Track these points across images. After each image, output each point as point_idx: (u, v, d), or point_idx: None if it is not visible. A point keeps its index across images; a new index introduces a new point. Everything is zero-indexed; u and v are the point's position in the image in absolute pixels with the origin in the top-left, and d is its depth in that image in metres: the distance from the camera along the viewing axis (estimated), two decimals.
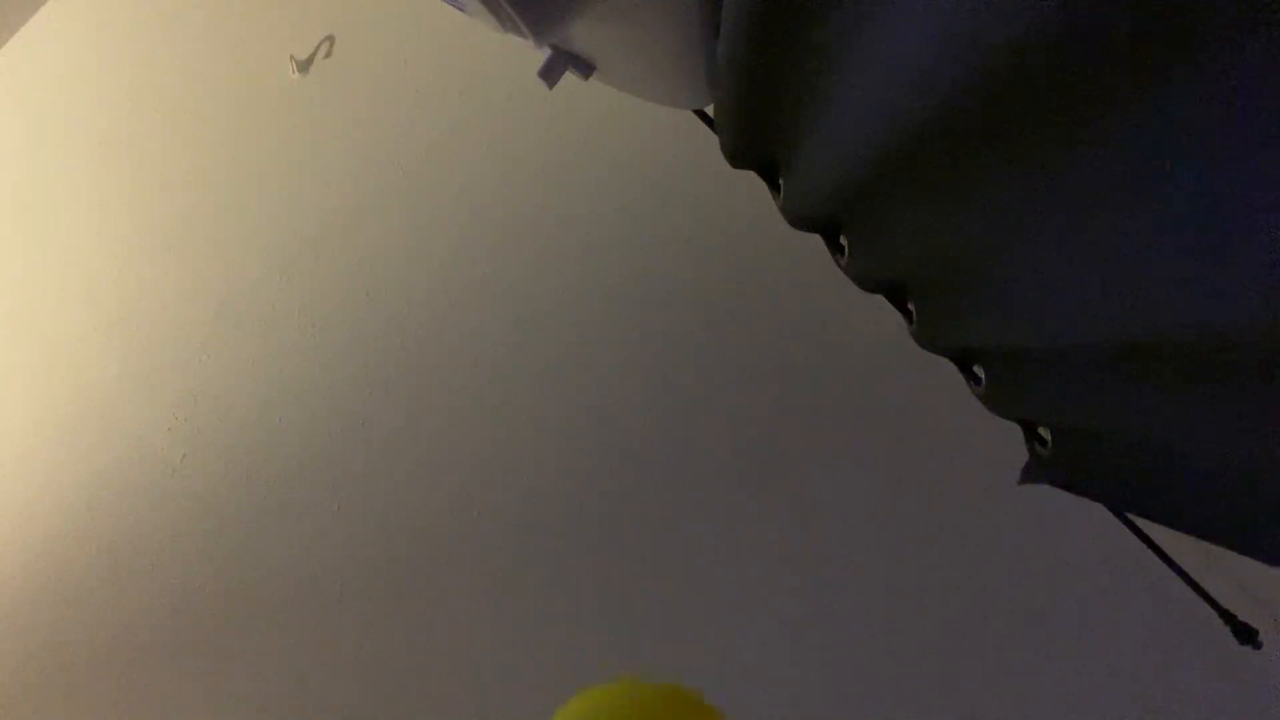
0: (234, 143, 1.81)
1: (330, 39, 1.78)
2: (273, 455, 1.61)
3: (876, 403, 1.36)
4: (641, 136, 1.53)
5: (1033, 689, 1.22)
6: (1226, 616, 1.01)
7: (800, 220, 0.94)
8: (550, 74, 0.87)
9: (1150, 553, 1.02)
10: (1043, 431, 0.87)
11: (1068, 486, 0.85)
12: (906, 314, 0.91)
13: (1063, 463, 0.84)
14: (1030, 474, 0.89)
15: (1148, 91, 0.36)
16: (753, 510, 1.35)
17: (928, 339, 0.89)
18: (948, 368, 0.92)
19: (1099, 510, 0.92)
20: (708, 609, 1.32)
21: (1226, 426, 0.51)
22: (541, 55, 0.87)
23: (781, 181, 0.96)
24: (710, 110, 1.03)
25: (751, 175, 1.01)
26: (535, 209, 1.59)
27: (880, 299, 0.93)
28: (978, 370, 0.89)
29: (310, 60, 1.78)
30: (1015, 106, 0.43)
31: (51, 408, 1.76)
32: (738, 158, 0.98)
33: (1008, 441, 0.93)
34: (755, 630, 1.29)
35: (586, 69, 0.91)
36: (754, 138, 0.90)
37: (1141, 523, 0.99)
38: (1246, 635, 1.00)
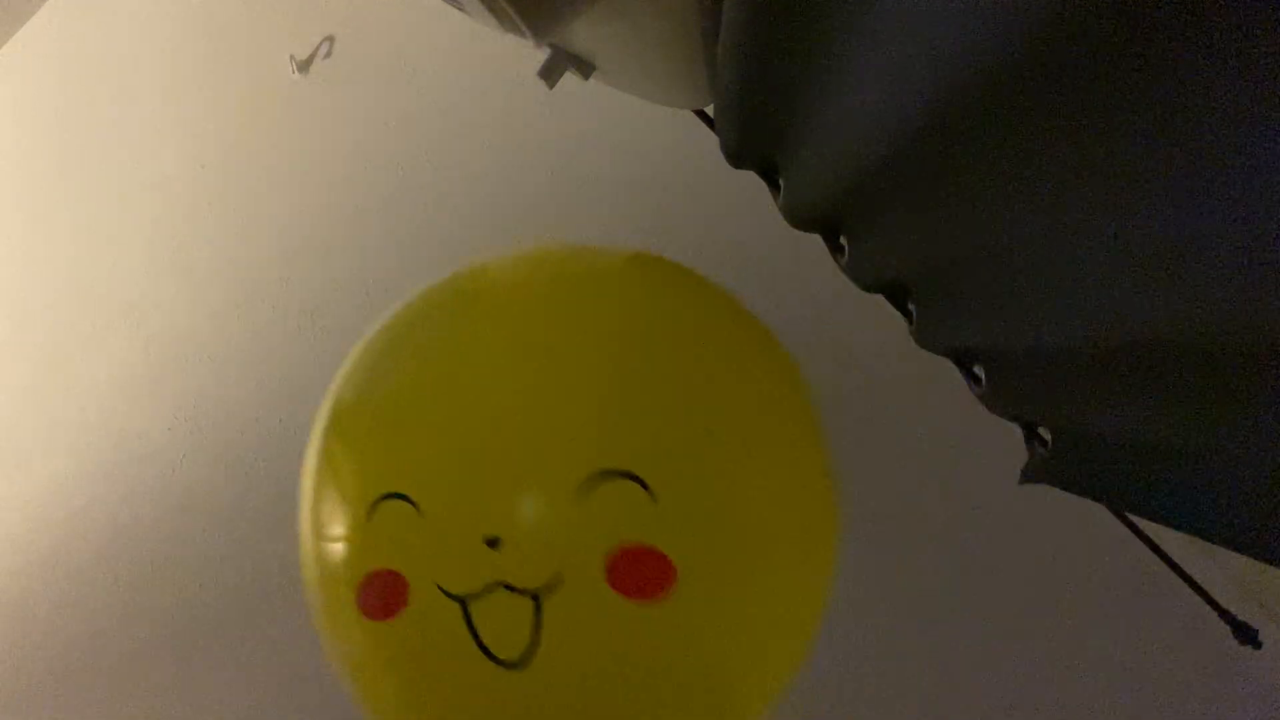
0: (234, 142, 1.81)
1: (330, 39, 1.78)
2: (273, 455, 1.60)
3: (876, 403, 1.36)
4: (641, 136, 1.53)
5: (1032, 689, 1.23)
6: (1226, 616, 1.01)
7: (800, 220, 0.94)
8: (550, 74, 0.87)
9: (1150, 553, 1.02)
10: (1043, 431, 0.87)
11: (1068, 486, 0.85)
12: (906, 314, 0.91)
13: (1063, 463, 0.83)
14: (1030, 474, 0.89)
15: (1152, 89, 0.35)
16: None
17: (928, 339, 0.89)
18: (948, 368, 0.92)
19: (1099, 510, 0.91)
20: None
21: (1227, 426, 0.51)
22: (541, 55, 0.87)
23: (781, 181, 0.96)
24: (710, 110, 1.03)
25: (751, 175, 1.00)
26: (535, 209, 1.59)
27: (880, 299, 0.93)
28: (978, 370, 0.88)
29: (310, 60, 1.78)
30: (1024, 100, 0.42)
31: (51, 408, 1.76)
32: (738, 158, 0.97)
33: (1008, 441, 0.93)
34: None
35: (587, 69, 0.91)
36: (754, 137, 0.90)
37: (1141, 523, 0.99)
38: (1246, 635, 1.00)
